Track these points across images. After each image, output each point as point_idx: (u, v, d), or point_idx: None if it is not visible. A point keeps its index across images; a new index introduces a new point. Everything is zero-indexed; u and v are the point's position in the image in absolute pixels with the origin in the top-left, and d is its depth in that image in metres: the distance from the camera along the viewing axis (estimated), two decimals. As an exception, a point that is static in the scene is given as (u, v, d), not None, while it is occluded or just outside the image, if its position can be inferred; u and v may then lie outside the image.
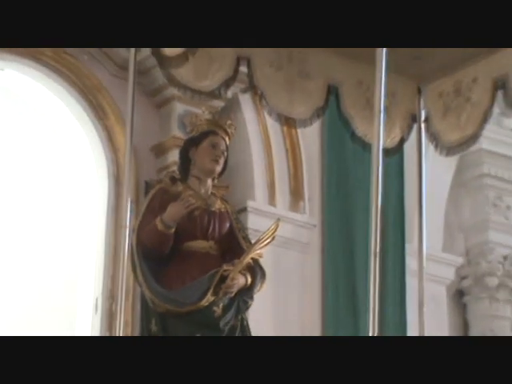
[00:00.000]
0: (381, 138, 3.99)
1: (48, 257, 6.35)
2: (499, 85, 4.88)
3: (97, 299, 6.17)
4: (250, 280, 5.05)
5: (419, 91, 5.26)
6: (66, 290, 6.29)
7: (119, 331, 4.70)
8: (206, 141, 5.15)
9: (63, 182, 6.50)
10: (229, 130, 5.24)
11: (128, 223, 4.64)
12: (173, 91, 6.00)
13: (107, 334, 6.00)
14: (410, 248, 6.59)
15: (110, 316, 6.01)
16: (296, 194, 6.74)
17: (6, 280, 6.29)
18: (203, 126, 5.17)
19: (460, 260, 7.45)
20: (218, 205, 5.19)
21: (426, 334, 5.15)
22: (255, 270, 5.08)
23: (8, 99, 6.42)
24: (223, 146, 5.17)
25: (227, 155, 5.22)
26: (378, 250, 3.94)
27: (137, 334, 5.86)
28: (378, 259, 3.94)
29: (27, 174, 6.51)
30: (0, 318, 6.19)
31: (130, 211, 4.72)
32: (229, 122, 5.22)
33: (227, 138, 5.22)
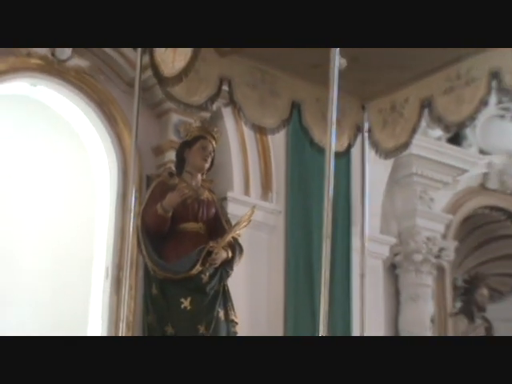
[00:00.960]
0: (332, 144, 3.96)
1: (69, 234, 6.29)
2: (425, 104, 4.88)
3: (107, 268, 6.13)
4: (230, 254, 5.05)
5: (363, 108, 5.25)
6: (82, 260, 6.23)
7: (125, 293, 4.69)
8: (197, 144, 5.16)
9: (82, 175, 6.45)
10: (216, 136, 5.25)
11: (133, 208, 4.62)
12: (169, 104, 5.95)
13: (115, 297, 5.96)
14: (355, 230, 6.58)
15: (117, 281, 5.97)
16: (266, 186, 6.71)
17: (34, 252, 6.21)
18: (195, 132, 5.18)
19: (394, 240, 7.42)
20: (206, 194, 5.18)
21: (365, 298, 5.15)
22: (235, 247, 5.08)
23: (39, 110, 6.35)
24: (211, 148, 5.18)
25: (214, 155, 5.21)
26: (329, 233, 3.92)
27: (140, 296, 5.85)
28: (329, 240, 3.92)
29: (54, 169, 6.45)
30: (27, 287, 6.12)
31: (135, 198, 4.70)
32: (216, 129, 5.23)
33: (214, 142, 5.22)
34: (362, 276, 5.12)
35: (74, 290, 6.13)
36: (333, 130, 3.91)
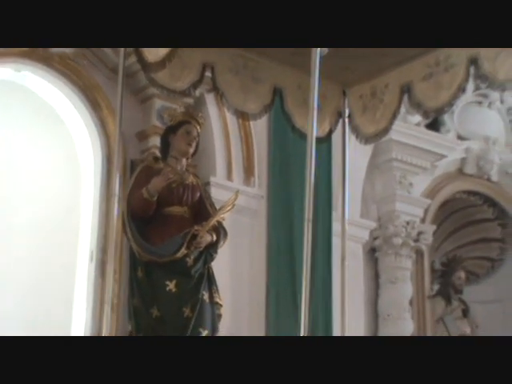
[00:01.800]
0: (314, 129, 3.96)
1: (54, 219, 6.26)
2: (405, 90, 4.89)
3: (92, 252, 6.12)
4: (215, 238, 5.06)
5: (344, 94, 5.24)
6: (67, 244, 6.21)
7: (109, 277, 4.68)
8: (182, 129, 5.16)
9: (67, 160, 6.41)
10: (200, 121, 5.25)
11: (117, 192, 4.60)
12: (153, 90, 5.92)
13: (100, 280, 5.95)
14: (336, 215, 6.60)
15: (102, 265, 5.97)
16: (248, 171, 6.71)
17: (18, 237, 6.18)
18: (180, 117, 5.18)
19: (373, 224, 7.44)
20: (190, 179, 5.19)
21: (346, 281, 5.16)
22: (219, 230, 5.09)
23: (23, 95, 6.31)
24: (195, 133, 5.18)
25: (198, 140, 5.21)
26: (310, 217, 3.92)
27: (124, 279, 5.84)
28: (310, 224, 3.92)
29: (39, 155, 6.41)
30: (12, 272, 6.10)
31: (119, 183, 4.69)
32: (200, 114, 5.23)
33: (198, 127, 5.22)
34: (343, 259, 5.12)
35: (59, 273, 6.11)
36: (314, 115, 3.88)
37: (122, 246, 5.89)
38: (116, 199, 4.56)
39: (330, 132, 5.30)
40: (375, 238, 7.47)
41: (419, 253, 7.67)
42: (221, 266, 5.52)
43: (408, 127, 7.50)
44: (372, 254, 7.52)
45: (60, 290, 6.05)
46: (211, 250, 5.08)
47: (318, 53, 3.93)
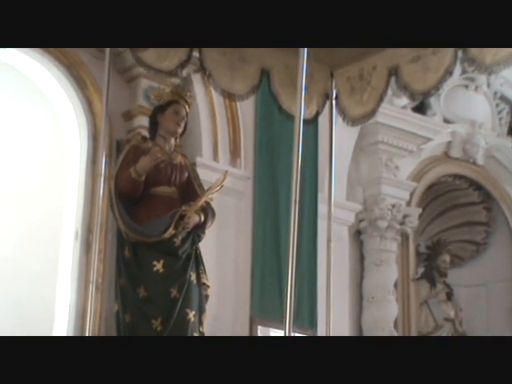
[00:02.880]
0: (301, 110, 3.96)
1: (39, 198, 6.24)
2: (392, 72, 4.90)
3: (77, 231, 6.10)
4: (203, 218, 5.06)
5: (332, 75, 5.25)
6: (53, 223, 6.19)
7: (94, 256, 4.68)
8: (170, 108, 5.16)
9: (52, 139, 6.38)
10: (188, 100, 5.24)
11: (103, 172, 4.59)
12: (139, 70, 5.88)
13: (84, 259, 5.94)
14: (322, 197, 6.61)
15: (87, 244, 5.95)
16: (234, 152, 6.69)
17: (2, 216, 6.16)
18: (168, 97, 5.16)
19: (359, 207, 7.45)
20: (179, 159, 5.19)
21: (332, 263, 5.18)
22: (207, 211, 5.10)
23: (8, 73, 6.26)
24: (184, 113, 5.18)
25: (187, 120, 5.19)
26: (297, 199, 3.92)
27: (108, 258, 5.84)
28: (297, 205, 3.93)
29: (24, 133, 6.37)
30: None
31: (105, 163, 4.68)
32: (189, 94, 5.21)
33: (187, 107, 5.22)
34: (329, 241, 5.14)
35: (43, 252, 6.09)
36: (302, 96, 3.88)
37: (107, 225, 5.88)
38: (101, 179, 4.55)
39: (317, 114, 5.32)
40: (361, 221, 7.48)
41: (404, 236, 7.69)
42: (206, 246, 5.52)
43: (394, 110, 7.50)
44: (357, 236, 7.54)
45: (45, 270, 6.04)
46: (199, 230, 5.09)
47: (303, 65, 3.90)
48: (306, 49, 3.93)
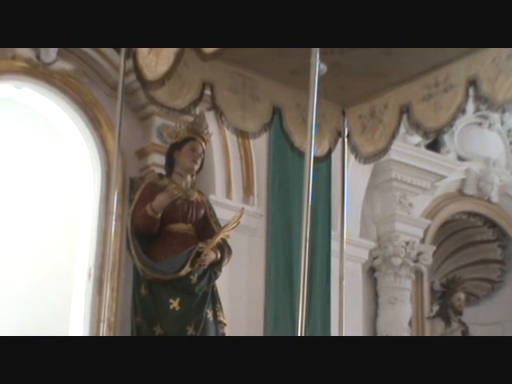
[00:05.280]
0: (312, 148, 3.93)
1: (52, 236, 6.25)
2: (404, 110, 4.89)
3: (90, 269, 6.09)
4: (219, 255, 5.03)
5: (343, 113, 5.25)
6: (66, 261, 6.19)
7: (106, 294, 4.65)
8: (187, 145, 5.15)
9: (66, 177, 6.41)
10: (205, 137, 5.22)
11: (114, 210, 4.58)
12: (153, 108, 5.92)
13: (97, 298, 5.92)
14: (335, 234, 6.57)
15: (99, 283, 5.94)
16: (247, 190, 6.69)
17: (16, 253, 6.16)
18: (185, 134, 5.15)
19: (373, 244, 7.42)
20: (195, 196, 5.18)
21: (344, 301, 5.14)
22: (223, 248, 5.07)
23: (23, 112, 6.32)
24: (200, 150, 5.17)
25: (203, 157, 5.19)
26: (307, 236, 3.89)
27: (122, 297, 5.82)
28: (307, 243, 3.89)
29: (39, 171, 6.41)
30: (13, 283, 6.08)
31: (116, 202, 4.67)
32: (206, 131, 5.20)
33: (204, 144, 5.20)
34: (341, 279, 5.10)
35: (56, 290, 6.08)
36: (312, 134, 3.87)
37: (120, 263, 5.87)
38: (113, 217, 4.54)
39: (329, 151, 5.30)
40: (374, 258, 7.45)
41: (419, 273, 7.64)
42: (219, 283, 5.50)
43: (408, 147, 7.49)
44: (371, 273, 7.50)
45: (57, 308, 6.02)
46: (215, 267, 5.06)
47: (316, 68, 3.89)
48: (316, 88, 3.89)
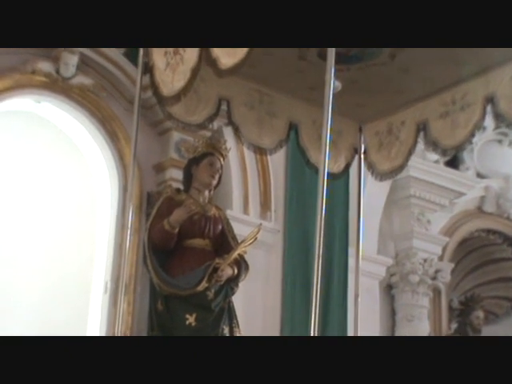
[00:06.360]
0: (326, 164, 3.89)
1: (70, 249, 6.27)
2: (421, 128, 4.86)
3: (106, 283, 6.10)
4: (236, 271, 4.99)
5: (360, 130, 5.22)
6: (83, 274, 6.21)
7: (120, 308, 4.64)
8: (205, 160, 5.09)
9: (84, 191, 6.44)
10: (223, 153, 5.18)
11: (129, 224, 4.58)
12: (171, 123, 5.93)
13: (113, 311, 5.91)
14: (352, 251, 6.53)
15: (116, 296, 5.92)
16: (265, 205, 6.69)
17: (34, 266, 6.19)
18: (203, 149, 5.12)
19: (390, 261, 7.39)
20: (213, 211, 5.13)
21: (361, 318, 5.09)
22: (240, 264, 5.03)
23: (43, 126, 6.36)
24: (218, 165, 5.12)
25: (221, 172, 5.16)
26: (320, 253, 3.85)
27: (137, 311, 5.81)
28: (320, 260, 3.85)
29: (57, 185, 6.44)
30: (31, 297, 6.10)
31: (133, 215, 4.66)
32: (224, 146, 5.17)
33: (222, 159, 5.16)
34: (356, 296, 5.07)
35: (73, 304, 6.10)
36: (326, 151, 3.84)
37: (136, 277, 5.87)
38: (128, 231, 4.53)
39: (346, 168, 5.27)
40: (392, 275, 7.42)
41: (436, 291, 7.59)
42: (236, 300, 5.48)
43: (427, 164, 7.47)
44: (388, 290, 7.46)
45: (73, 322, 6.03)
46: (232, 283, 5.02)
47: (331, 87, 3.87)
48: (330, 105, 3.87)
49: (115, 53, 6.29)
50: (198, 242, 4.98)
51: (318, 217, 3.85)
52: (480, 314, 7.94)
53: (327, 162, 3.91)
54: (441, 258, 7.62)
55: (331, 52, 3.86)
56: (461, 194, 7.71)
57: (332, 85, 3.81)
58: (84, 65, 6.24)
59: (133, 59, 5.65)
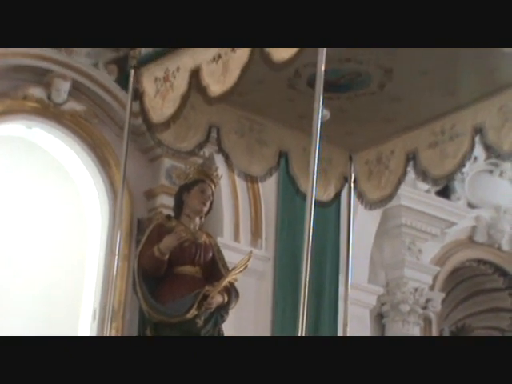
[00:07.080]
0: (313, 191, 3.87)
1: (59, 276, 6.23)
2: (410, 157, 4.88)
3: (95, 310, 6.06)
4: (226, 299, 4.97)
5: (350, 158, 5.24)
6: (71, 302, 6.17)
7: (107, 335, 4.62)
8: (196, 187, 5.08)
9: (75, 217, 6.41)
10: (215, 180, 5.17)
11: (117, 251, 4.56)
12: (160, 149, 5.93)
13: (101, 338, 5.88)
14: (342, 279, 6.50)
15: (104, 324, 5.88)
16: (256, 233, 6.67)
17: (23, 293, 6.15)
18: (194, 175, 5.12)
19: (381, 290, 7.36)
20: (203, 238, 5.12)
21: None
22: (231, 291, 5.01)
23: (34, 152, 6.35)
24: (210, 192, 5.11)
25: (213, 199, 5.15)
26: (307, 282, 3.80)
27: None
28: (307, 288, 3.80)
29: (47, 211, 6.41)
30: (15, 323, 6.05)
31: (122, 243, 4.65)
32: (215, 173, 5.17)
33: (213, 186, 5.14)
34: (345, 325, 5.04)
35: (61, 331, 6.03)
36: (314, 179, 3.84)
37: (125, 304, 5.83)
38: (116, 258, 4.51)
39: (336, 196, 5.28)
40: (383, 304, 7.39)
41: (427, 320, 7.56)
42: (226, 327, 5.45)
43: (418, 193, 7.46)
44: (379, 319, 7.43)
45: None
46: (222, 311, 5.00)
47: (319, 115, 3.87)
48: (318, 133, 3.87)
49: (107, 79, 6.30)
50: (188, 269, 4.97)
51: (305, 245, 3.82)
52: (471, 344, 7.91)
53: (317, 191, 3.91)
54: (432, 288, 7.59)
55: (319, 80, 3.87)
56: (452, 224, 7.70)
57: (320, 113, 3.82)
58: (76, 91, 6.24)
59: (124, 85, 5.65)
